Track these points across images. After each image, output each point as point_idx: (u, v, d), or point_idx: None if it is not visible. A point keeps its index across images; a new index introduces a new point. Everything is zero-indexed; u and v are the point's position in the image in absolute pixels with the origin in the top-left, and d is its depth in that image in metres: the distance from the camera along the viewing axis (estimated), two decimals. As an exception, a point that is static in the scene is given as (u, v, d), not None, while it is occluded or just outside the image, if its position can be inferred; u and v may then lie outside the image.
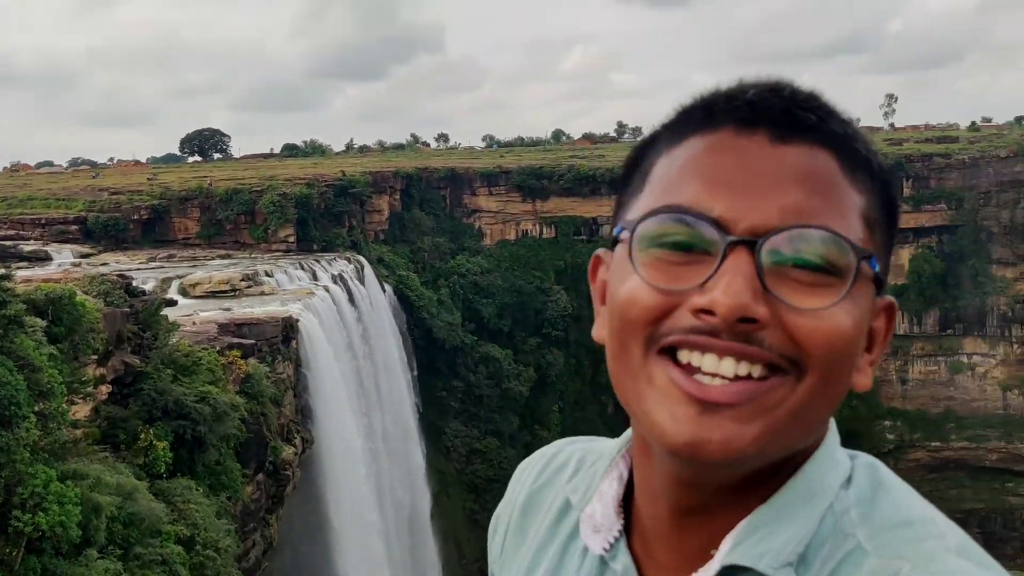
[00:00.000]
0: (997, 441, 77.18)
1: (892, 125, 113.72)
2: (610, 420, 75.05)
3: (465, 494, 67.51)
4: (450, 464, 67.60)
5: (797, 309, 1.25)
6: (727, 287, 1.24)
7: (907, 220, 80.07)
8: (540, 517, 1.70)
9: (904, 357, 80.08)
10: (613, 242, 1.42)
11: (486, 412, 69.41)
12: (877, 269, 1.32)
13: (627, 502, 1.54)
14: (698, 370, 1.27)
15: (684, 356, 1.29)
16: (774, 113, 1.32)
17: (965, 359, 79.86)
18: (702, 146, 1.33)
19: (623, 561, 1.48)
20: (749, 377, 1.26)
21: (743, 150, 1.30)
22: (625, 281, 1.34)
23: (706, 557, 1.36)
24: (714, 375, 1.26)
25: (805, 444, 1.36)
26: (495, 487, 67.94)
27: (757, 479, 1.34)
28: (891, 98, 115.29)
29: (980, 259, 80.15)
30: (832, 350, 1.27)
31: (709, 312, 1.25)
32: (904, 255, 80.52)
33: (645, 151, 1.44)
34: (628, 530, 1.52)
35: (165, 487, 28.32)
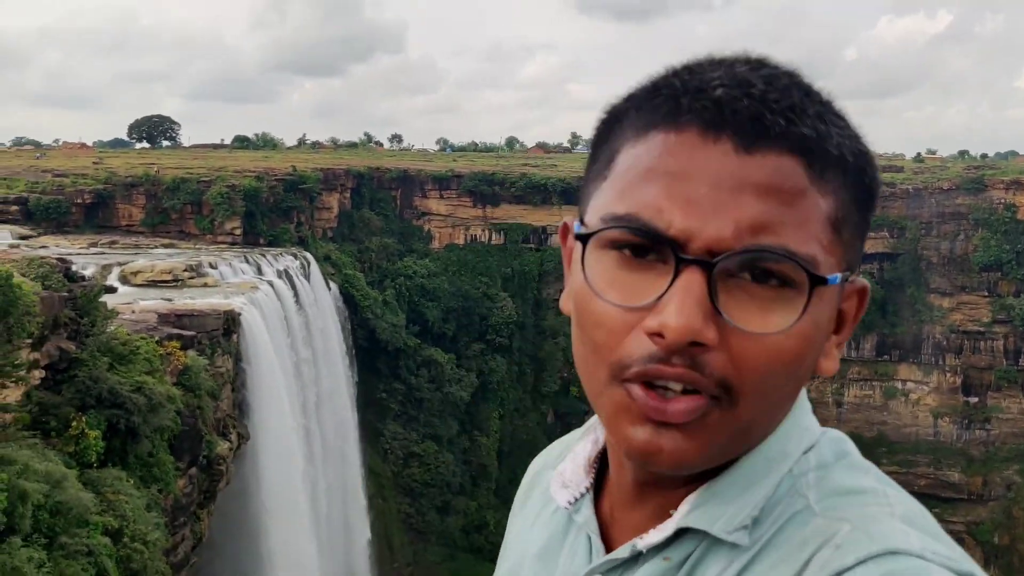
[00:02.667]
0: (926, 467, 78.68)
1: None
2: (550, 428, 75.23)
3: (401, 497, 67.20)
4: (387, 466, 67.25)
5: (744, 332, 1.24)
6: (678, 311, 1.22)
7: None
8: (542, 488, 1.76)
9: (840, 380, 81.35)
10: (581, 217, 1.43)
11: (426, 416, 69.18)
12: (837, 282, 1.29)
13: (604, 468, 1.60)
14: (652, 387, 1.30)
15: None
16: (741, 119, 1.26)
17: (899, 385, 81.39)
18: (665, 147, 1.29)
19: (585, 514, 1.54)
20: (695, 392, 1.27)
21: (706, 158, 1.25)
22: (587, 293, 1.34)
23: (662, 518, 1.40)
24: (667, 390, 1.27)
25: (762, 440, 1.38)
26: (431, 491, 67.79)
27: None
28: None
29: (919, 288, 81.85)
30: (769, 375, 1.26)
31: (660, 335, 1.24)
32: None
33: (612, 127, 1.41)
34: (599, 491, 1.57)
35: (95, 477, 27.80)
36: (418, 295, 71.73)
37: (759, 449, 1.37)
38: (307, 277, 56.87)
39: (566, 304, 1.44)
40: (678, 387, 1.26)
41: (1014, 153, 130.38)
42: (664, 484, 1.42)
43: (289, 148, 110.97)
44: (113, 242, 56.44)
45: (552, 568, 1.59)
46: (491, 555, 66.96)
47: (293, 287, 52.80)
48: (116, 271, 46.53)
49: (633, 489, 1.47)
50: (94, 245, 54.59)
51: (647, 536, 1.40)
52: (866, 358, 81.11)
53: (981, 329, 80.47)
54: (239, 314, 41.64)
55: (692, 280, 1.23)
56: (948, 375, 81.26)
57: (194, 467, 35.16)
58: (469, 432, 71.83)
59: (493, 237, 78.23)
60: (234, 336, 41.19)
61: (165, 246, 57.06)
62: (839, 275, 1.29)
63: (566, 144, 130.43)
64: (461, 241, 78.21)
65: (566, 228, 1.50)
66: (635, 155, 1.32)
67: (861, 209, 1.34)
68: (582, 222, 1.39)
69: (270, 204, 63.50)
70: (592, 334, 1.33)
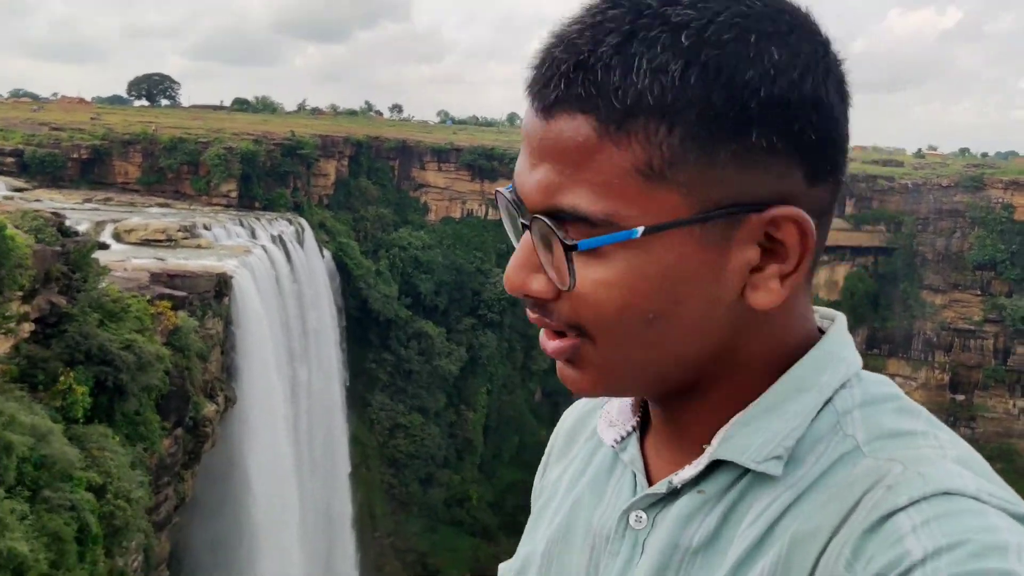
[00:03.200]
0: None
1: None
2: (537, 406, 75.48)
3: (385, 467, 67.39)
4: (373, 436, 67.39)
5: (555, 283, 1.34)
6: (509, 266, 1.37)
7: (847, 238, 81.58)
8: (586, 434, 1.77)
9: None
10: None
11: (414, 388, 69.25)
12: (637, 235, 1.25)
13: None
14: None
15: None
16: (538, 83, 1.31)
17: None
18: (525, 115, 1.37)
19: (631, 452, 1.56)
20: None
21: (529, 124, 1.34)
22: None
23: (699, 453, 1.41)
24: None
25: (676, 369, 1.37)
26: (415, 463, 67.96)
27: (745, 380, 1.38)
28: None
29: (912, 283, 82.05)
30: (605, 320, 1.32)
31: None
32: (840, 272, 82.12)
33: None
34: (645, 429, 1.58)
35: (81, 432, 27.83)
36: (412, 267, 71.65)
37: (785, 377, 1.37)
38: (301, 243, 56.79)
39: None
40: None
41: (1014, 153, 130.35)
42: (691, 420, 1.44)
43: (289, 113, 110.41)
44: (108, 199, 56.25)
45: (598, 503, 1.60)
46: (471, 528, 67.38)
47: (287, 253, 52.74)
48: (110, 228, 46.39)
49: (666, 425, 1.50)
50: (89, 201, 54.38)
51: (682, 471, 1.41)
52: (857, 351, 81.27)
53: (972, 327, 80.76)
54: (231, 277, 41.61)
55: (524, 238, 1.36)
56: (937, 372, 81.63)
57: (180, 428, 35.22)
58: (456, 406, 71.96)
59: (490, 212, 78.02)
60: (225, 299, 41.16)
61: (160, 205, 56.88)
62: (641, 228, 1.25)
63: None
64: (457, 215, 78.04)
65: None
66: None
67: (716, 136, 1.23)
68: None
69: (267, 168, 63.26)
70: None
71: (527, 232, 1.35)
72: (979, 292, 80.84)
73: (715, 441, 1.38)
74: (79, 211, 48.08)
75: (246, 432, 42.20)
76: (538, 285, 1.34)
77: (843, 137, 1.32)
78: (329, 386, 57.55)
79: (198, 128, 67.17)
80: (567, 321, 1.34)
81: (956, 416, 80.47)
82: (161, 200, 58.89)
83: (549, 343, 1.39)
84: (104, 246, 39.35)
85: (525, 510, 1.85)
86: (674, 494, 1.42)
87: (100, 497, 26.10)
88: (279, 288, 49.11)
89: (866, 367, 1.43)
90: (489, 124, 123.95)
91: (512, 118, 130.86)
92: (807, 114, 1.26)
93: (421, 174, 78.58)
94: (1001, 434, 78.52)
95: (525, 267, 1.35)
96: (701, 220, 1.26)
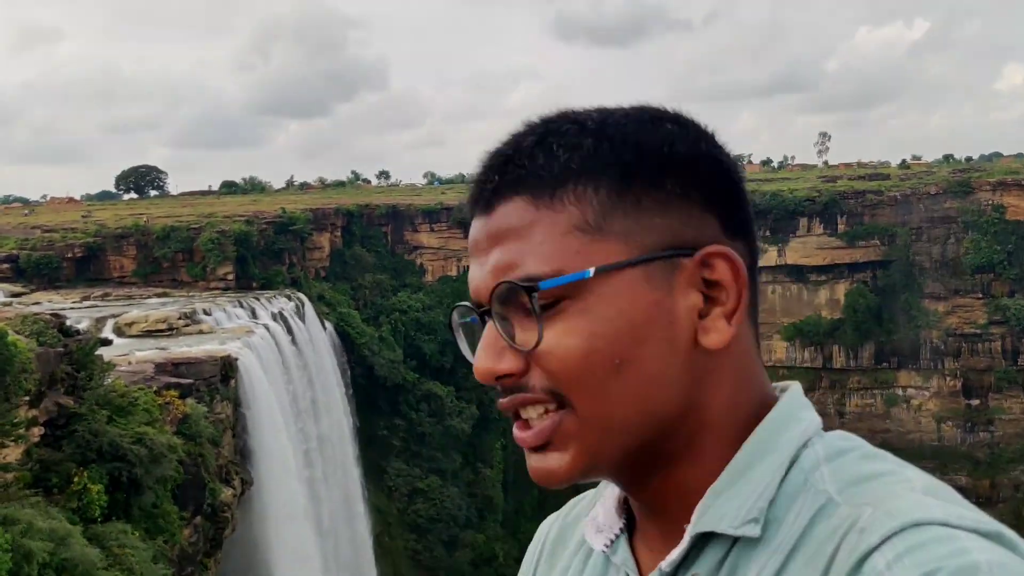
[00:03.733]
0: (933, 473, 77.16)
1: (827, 163, 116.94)
2: (553, 457, 74.96)
3: (407, 534, 66.84)
4: (392, 504, 66.94)
5: (524, 351, 1.40)
6: (477, 357, 1.44)
7: (842, 256, 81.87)
8: (571, 547, 1.77)
9: (841, 390, 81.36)
10: None
11: (428, 450, 68.97)
12: (588, 275, 1.38)
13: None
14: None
15: None
16: (478, 189, 1.51)
17: (900, 392, 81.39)
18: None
19: (622, 555, 1.58)
20: (547, 413, 1.42)
21: (473, 230, 1.49)
22: None
23: (681, 535, 1.44)
24: (525, 420, 1.44)
25: (643, 427, 1.42)
26: (438, 527, 67.42)
27: (712, 446, 1.45)
28: (825, 136, 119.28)
29: (912, 293, 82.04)
30: (570, 373, 1.39)
31: None
32: (840, 290, 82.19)
33: None
34: (632, 529, 1.61)
35: (100, 531, 27.64)
36: (414, 329, 71.74)
37: (747, 443, 1.43)
38: (302, 318, 56.85)
39: None
40: (533, 413, 1.43)
41: (998, 155, 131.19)
42: (667, 499, 1.48)
43: (277, 190, 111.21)
44: (106, 294, 56.41)
45: None
46: (502, 587, 66.56)
47: (288, 329, 52.78)
48: (110, 323, 46.46)
49: (648, 516, 1.53)
50: (87, 298, 54.53)
51: (668, 556, 1.43)
52: (865, 367, 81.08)
53: (978, 331, 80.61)
54: (236, 359, 41.59)
55: (487, 328, 1.44)
56: (948, 379, 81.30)
57: (199, 515, 34.98)
58: (473, 464, 71.61)
59: (485, 267, 78.11)
60: (232, 381, 41.11)
61: (158, 295, 57.02)
62: (591, 269, 1.39)
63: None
64: (454, 272, 78.30)
65: None
66: None
67: (637, 188, 1.43)
68: None
69: (261, 247, 63.58)
70: None
71: (488, 323, 1.44)
72: (980, 295, 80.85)
73: (694, 517, 1.41)
74: (78, 309, 48.23)
75: (265, 513, 41.91)
76: (507, 364, 1.41)
77: (747, 200, 1.52)
78: (343, 456, 57.28)
79: (189, 215, 67.62)
80: (542, 388, 1.40)
81: (974, 422, 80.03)
82: (159, 290, 59.10)
83: (526, 433, 1.44)
84: (107, 342, 39.32)
85: (553, 562, 1.83)
86: None
87: (125, 595, 25.83)
88: (284, 365, 49.07)
89: (876, 382, 1.47)
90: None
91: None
92: (709, 167, 1.47)
93: (414, 236, 78.99)
94: (1021, 435, 77.94)
95: (491, 352, 1.42)
96: (643, 261, 1.40)
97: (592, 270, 1.38)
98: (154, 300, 54.81)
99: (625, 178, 1.42)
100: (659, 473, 1.47)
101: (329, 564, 48.74)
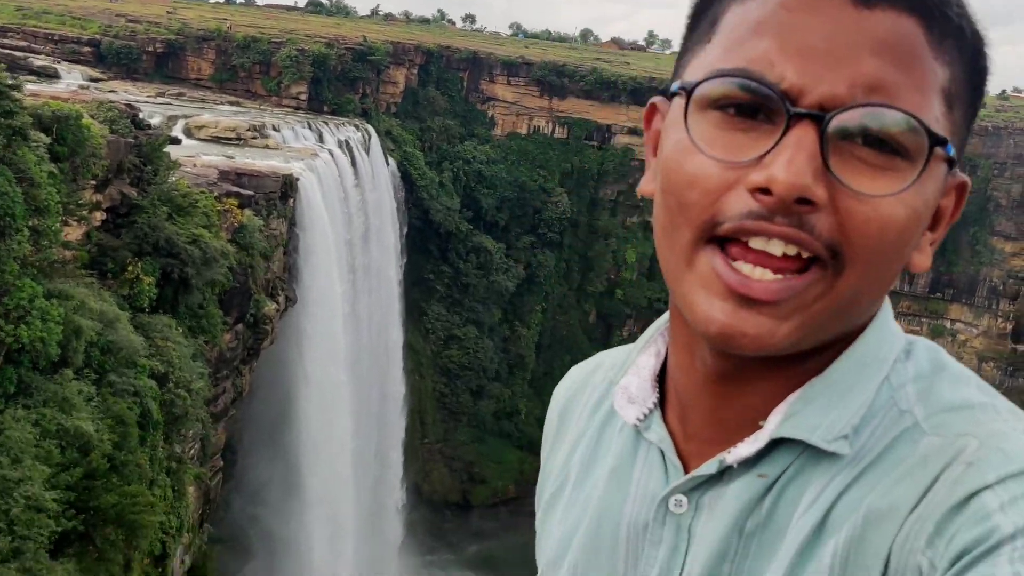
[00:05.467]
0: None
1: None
2: (590, 328, 75.77)
3: (437, 376, 68.42)
4: (427, 345, 68.33)
5: (857, 194, 1.18)
6: (787, 164, 1.16)
7: (918, 178, 79.65)
8: (578, 411, 1.69)
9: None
10: (671, 94, 1.33)
11: (470, 301, 69.84)
12: (952, 153, 1.23)
13: (662, 382, 1.52)
14: (744, 253, 1.22)
15: (733, 246, 1.24)
16: None
17: (948, 324, 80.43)
18: (778, 0, 1.22)
19: (657, 432, 1.45)
20: (798, 257, 1.20)
21: (822, 11, 1.19)
22: (682, 151, 1.26)
23: (748, 430, 1.33)
24: (755, 266, 1.21)
25: (851, 328, 1.31)
26: (467, 374, 68.86)
27: (805, 351, 1.29)
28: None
29: (982, 228, 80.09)
30: (880, 242, 1.20)
31: (766, 192, 1.17)
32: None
33: None
34: (662, 405, 1.49)
35: (146, 321, 28.67)
36: (475, 181, 71.61)
37: (850, 352, 1.32)
38: (367, 150, 57.00)
39: (647, 186, 1.39)
40: (778, 250, 1.20)
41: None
42: (745, 381, 1.34)
43: (362, 17, 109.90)
44: (180, 94, 56.85)
45: (625, 489, 1.49)
46: (519, 442, 68.44)
47: (352, 158, 53.02)
48: (181, 123, 46.99)
49: (707, 390, 1.38)
50: (162, 95, 55.03)
51: (736, 449, 1.33)
52: (918, 293, 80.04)
53: (1040, 278, 79.00)
54: (297, 179, 42.04)
55: (804, 135, 1.17)
56: (999, 320, 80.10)
57: (241, 323, 36.07)
58: (511, 322, 72.53)
59: (556, 130, 77.38)
60: (291, 200, 41.67)
61: (231, 103, 57.38)
62: (952, 147, 1.23)
63: (641, 42, 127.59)
64: (524, 131, 77.49)
65: (653, 109, 1.43)
66: (744, 11, 1.25)
67: (972, 91, 1.28)
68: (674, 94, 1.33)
69: (337, 73, 63.28)
70: (684, 195, 1.25)
71: (805, 128, 1.18)
72: (1051, 242, 78.86)
73: (775, 416, 1.31)
74: (152, 104, 48.73)
75: (304, 332, 43.05)
76: (821, 191, 1.17)
77: None
78: (387, 291, 58.29)
79: (272, 28, 67.25)
80: (828, 237, 1.19)
81: (1016, 367, 79.18)
82: (232, 98, 59.41)
83: (768, 281, 1.21)
84: (175, 141, 39.92)
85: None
86: (721, 474, 1.35)
87: (162, 385, 26.98)
88: (343, 193, 49.51)
89: (926, 310, 1.41)
90: (562, 40, 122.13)
91: (585, 35, 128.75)
92: (987, 66, 1.32)
93: (490, 87, 77.91)
94: (1060, 388, 77.24)
95: (810, 169, 1.16)
96: (952, 164, 1.27)
97: (952, 150, 1.23)
98: (226, 107, 55.18)
99: (973, 72, 1.27)
100: (771, 367, 1.31)
101: (359, 386, 50.06)
